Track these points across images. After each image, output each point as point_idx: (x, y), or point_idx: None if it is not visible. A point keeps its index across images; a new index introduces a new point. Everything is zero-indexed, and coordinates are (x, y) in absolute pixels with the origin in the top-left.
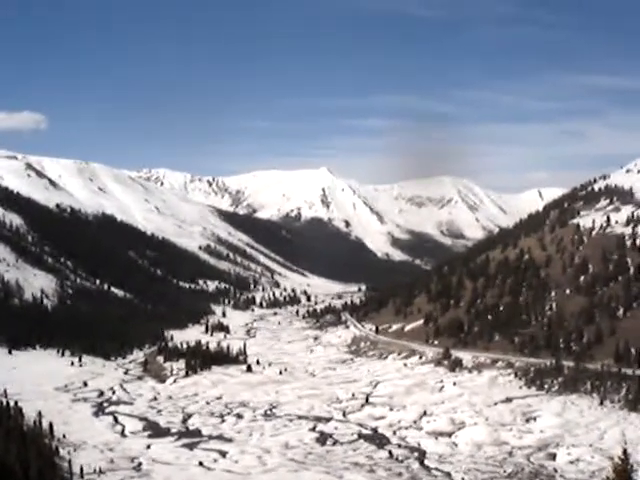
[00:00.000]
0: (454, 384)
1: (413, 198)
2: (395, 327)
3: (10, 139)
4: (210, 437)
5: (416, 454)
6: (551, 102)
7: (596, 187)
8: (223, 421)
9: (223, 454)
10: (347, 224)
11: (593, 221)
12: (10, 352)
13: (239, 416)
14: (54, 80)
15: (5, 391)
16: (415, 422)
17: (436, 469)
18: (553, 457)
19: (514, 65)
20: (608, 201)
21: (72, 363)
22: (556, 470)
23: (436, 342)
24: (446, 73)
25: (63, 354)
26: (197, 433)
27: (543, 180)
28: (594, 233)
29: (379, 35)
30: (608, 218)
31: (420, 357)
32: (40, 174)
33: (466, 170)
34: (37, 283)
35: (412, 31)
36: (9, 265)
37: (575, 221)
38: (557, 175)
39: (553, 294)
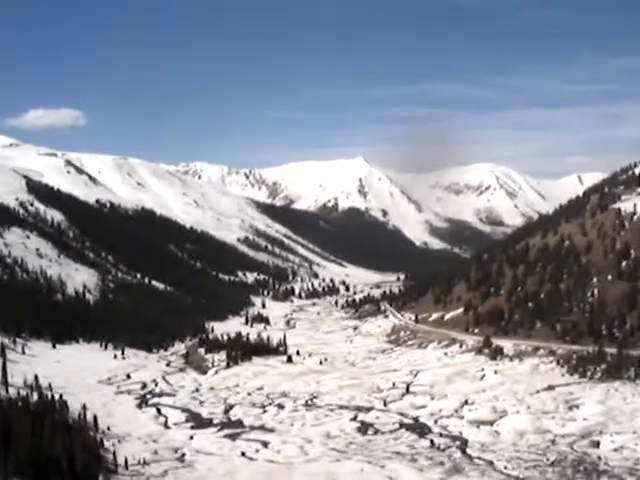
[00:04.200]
0: (495, 372)
1: (451, 186)
2: (435, 316)
3: (49, 136)
4: (252, 428)
5: (458, 443)
6: (590, 85)
7: (637, 171)
8: (265, 412)
9: (265, 444)
10: (384, 213)
11: (634, 205)
12: (54, 346)
13: (280, 406)
14: (91, 77)
15: (50, 385)
16: (456, 411)
17: (478, 458)
18: (597, 445)
19: (551, 49)
20: None
21: (115, 356)
22: (600, 458)
23: (476, 330)
24: (481, 59)
25: (106, 347)
26: (239, 424)
27: (583, 165)
28: (635, 217)
29: (412, 23)
30: None
31: (460, 346)
32: (80, 170)
33: (504, 156)
34: (79, 278)
35: (446, 17)
36: (51, 261)
37: (616, 206)
38: (597, 159)
39: (595, 280)
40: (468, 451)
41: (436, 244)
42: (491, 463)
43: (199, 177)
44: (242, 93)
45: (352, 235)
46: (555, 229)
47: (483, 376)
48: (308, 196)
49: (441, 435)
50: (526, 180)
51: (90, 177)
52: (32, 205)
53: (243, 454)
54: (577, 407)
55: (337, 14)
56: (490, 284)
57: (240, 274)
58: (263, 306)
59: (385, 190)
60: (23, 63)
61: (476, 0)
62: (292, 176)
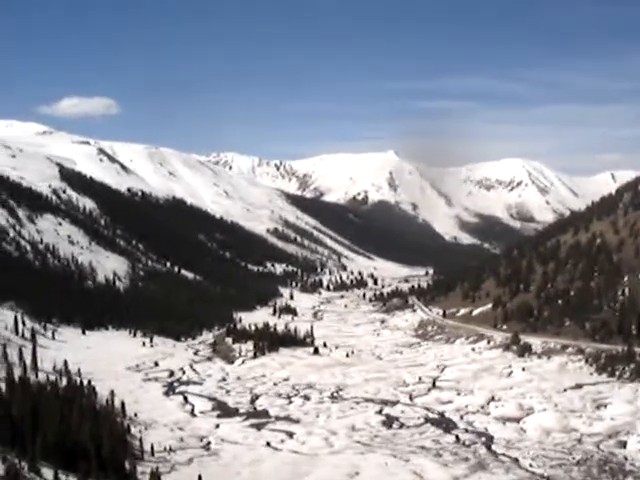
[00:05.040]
0: (523, 369)
1: (482, 180)
2: (463, 311)
3: (82, 124)
4: (277, 418)
5: (483, 439)
6: (625, 82)
7: None
8: (290, 402)
9: (290, 435)
10: (414, 207)
11: None
12: (84, 332)
13: (306, 398)
14: (125, 66)
15: (79, 370)
16: (483, 407)
17: (503, 455)
18: (623, 445)
19: (586, 44)
20: None
21: (143, 343)
22: (626, 458)
23: (504, 327)
24: (516, 53)
25: (135, 335)
26: (265, 414)
27: (616, 162)
28: None
29: (445, 16)
30: None
31: (488, 342)
32: (112, 159)
33: (536, 152)
34: (109, 265)
35: (481, 11)
36: (83, 248)
37: None
38: (630, 157)
39: (626, 279)
40: (493, 448)
41: (466, 239)
42: (516, 460)
43: (230, 168)
44: (275, 85)
45: (381, 228)
46: (587, 226)
47: (510, 373)
48: (338, 188)
49: (467, 431)
50: (558, 176)
51: (122, 166)
52: (65, 192)
53: (268, 444)
54: (605, 406)
55: (368, 7)
56: (520, 280)
57: (269, 265)
58: (291, 297)
59: (415, 184)
60: (58, 52)
61: None
62: (322, 168)
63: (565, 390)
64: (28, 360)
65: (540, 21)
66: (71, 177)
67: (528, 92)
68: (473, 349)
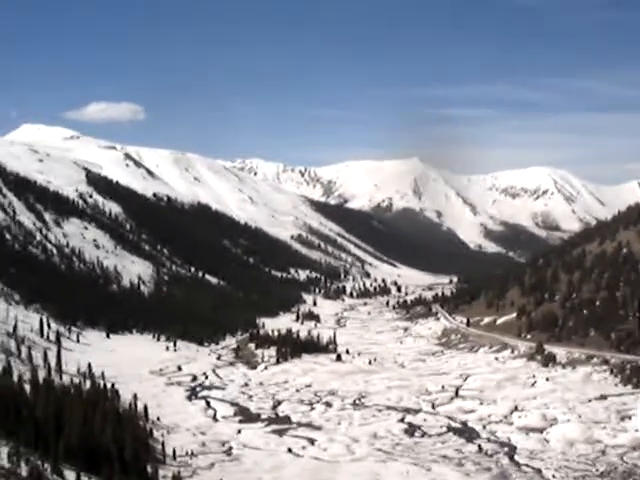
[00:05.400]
0: (547, 379)
1: (507, 189)
2: (487, 320)
3: (109, 129)
4: (299, 424)
5: (506, 449)
6: None
7: None
8: (312, 409)
9: (312, 441)
10: (439, 215)
11: None
12: (108, 336)
13: (328, 404)
14: (151, 71)
15: (103, 373)
16: (506, 417)
17: (526, 465)
18: None
19: (611, 52)
20: None
21: (167, 348)
22: None
23: (529, 336)
24: (542, 61)
25: (158, 339)
26: (286, 420)
27: None
28: None
29: (467, 24)
30: None
31: (512, 351)
32: (138, 164)
33: (562, 160)
34: (134, 270)
35: (506, 18)
36: (108, 252)
37: None
38: None
39: None
40: (516, 458)
41: (491, 247)
42: (539, 471)
43: (255, 174)
44: (301, 91)
45: (405, 236)
46: (613, 236)
47: (534, 383)
48: (362, 195)
49: (489, 440)
50: (584, 185)
51: (148, 171)
52: (91, 197)
53: (289, 450)
54: (629, 418)
55: (394, 13)
56: (545, 289)
57: (292, 271)
58: (314, 304)
59: (440, 191)
60: (86, 57)
61: (541, 1)
62: (347, 175)
63: (589, 401)
64: (53, 362)
65: (565, 29)
66: (97, 182)
67: (554, 100)
68: (497, 358)
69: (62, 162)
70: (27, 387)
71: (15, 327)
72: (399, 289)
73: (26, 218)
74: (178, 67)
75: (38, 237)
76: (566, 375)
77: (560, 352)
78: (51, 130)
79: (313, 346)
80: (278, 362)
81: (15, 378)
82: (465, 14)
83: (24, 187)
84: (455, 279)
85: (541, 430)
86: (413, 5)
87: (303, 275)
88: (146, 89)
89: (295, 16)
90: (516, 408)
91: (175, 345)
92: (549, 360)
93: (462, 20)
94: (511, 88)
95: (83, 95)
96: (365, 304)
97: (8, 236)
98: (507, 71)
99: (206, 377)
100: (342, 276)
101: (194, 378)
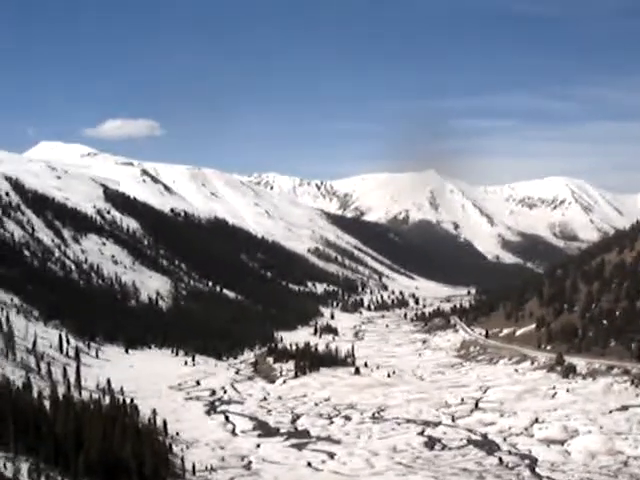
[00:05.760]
0: (567, 391)
1: (524, 199)
2: (506, 331)
3: (126, 146)
4: (318, 438)
5: (527, 461)
6: None
7: None
8: (331, 423)
9: (331, 455)
10: (456, 226)
11: None
12: (127, 351)
13: (347, 418)
14: (168, 88)
15: (122, 389)
16: (526, 429)
17: (548, 477)
18: None
19: (627, 62)
20: None
21: (185, 362)
22: None
23: (548, 347)
24: (557, 71)
25: (177, 353)
26: (306, 434)
27: None
28: None
29: (485, 34)
30: None
31: (532, 362)
32: (155, 179)
33: (579, 170)
34: (152, 285)
35: (522, 28)
36: (126, 267)
37: None
38: None
39: None
40: (537, 470)
41: (508, 258)
42: None
43: (271, 188)
44: (314, 105)
45: (422, 248)
46: (632, 245)
47: (555, 394)
48: (379, 208)
49: (510, 453)
50: (602, 194)
51: (165, 186)
52: (109, 213)
53: (309, 464)
54: None
55: (407, 27)
56: (564, 300)
57: (310, 284)
58: (332, 317)
59: (457, 202)
60: (103, 75)
61: (556, 10)
62: (363, 188)
63: (610, 412)
64: (72, 378)
65: (581, 38)
66: (115, 198)
67: (569, 109)
68: (516, 370)
69: (80, 179)
70: (47, 403)
71: (34, 343)
72: (417, 301)
73: (45, 235)
74: (194, 83)
75: (57, 253)
76: (587, 386)
77: (580, 363)
78: (69, 147)
79: (331, 359)
80: (296, 376)
81: (35, 394)
82: (480, 25)
83: (42, 204)
84: (473, 290)
85: (562, 442)
86: (428, 17)
87: (320, 288)
88: (162, 105)
89: (311, 31)
90: (537, 420)
91: (194, 360)
92: (569, 371)
93: (478, 31)
94: (527, 98)
95: (100, 112)
96: (383, 317)
97: (27, 253)
98: (523, 81)
99: (225, 391)
100: (359, 289)
101: (213, 392)
